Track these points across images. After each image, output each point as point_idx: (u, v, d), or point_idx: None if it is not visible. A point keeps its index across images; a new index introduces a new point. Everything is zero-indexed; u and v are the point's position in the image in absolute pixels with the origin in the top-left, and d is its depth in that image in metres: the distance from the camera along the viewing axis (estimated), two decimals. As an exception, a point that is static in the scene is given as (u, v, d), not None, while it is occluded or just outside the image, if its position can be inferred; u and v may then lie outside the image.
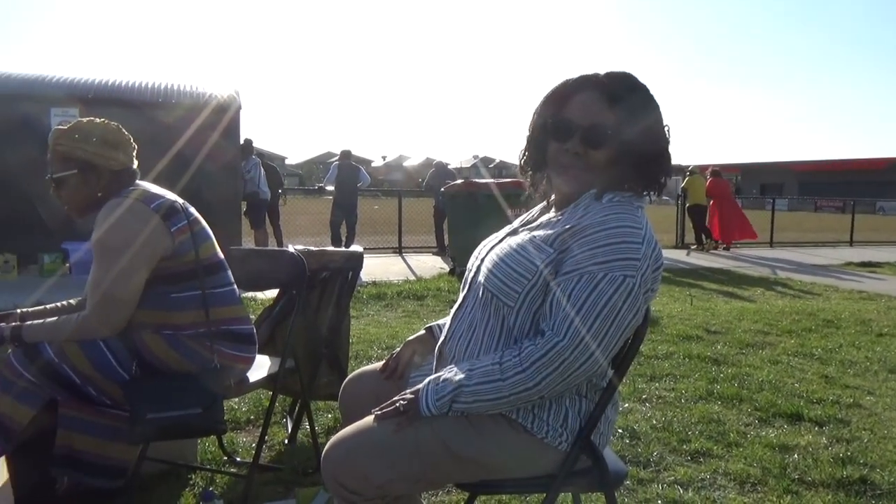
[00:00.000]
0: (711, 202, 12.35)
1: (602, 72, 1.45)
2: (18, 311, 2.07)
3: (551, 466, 1.45)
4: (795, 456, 2.68)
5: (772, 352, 4.47)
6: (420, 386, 1.42)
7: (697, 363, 4.09)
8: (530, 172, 1.56)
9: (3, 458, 1.85)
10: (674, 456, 2.66)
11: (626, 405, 3.25)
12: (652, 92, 1.45)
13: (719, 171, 12.92)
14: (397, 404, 1.42)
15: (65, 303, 2.14)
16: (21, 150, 7.45)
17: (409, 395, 1.42)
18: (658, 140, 1.44)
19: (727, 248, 12.82)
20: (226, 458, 2.55)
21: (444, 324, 1.71)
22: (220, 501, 1.73)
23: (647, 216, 1.42)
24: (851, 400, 3.42)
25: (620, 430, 2.89)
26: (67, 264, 7.51)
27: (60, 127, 2.00)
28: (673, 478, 2.46)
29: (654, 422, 3.03)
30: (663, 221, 14.62)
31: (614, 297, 1.31)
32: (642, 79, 1.45)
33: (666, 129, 1.46)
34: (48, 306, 2.13)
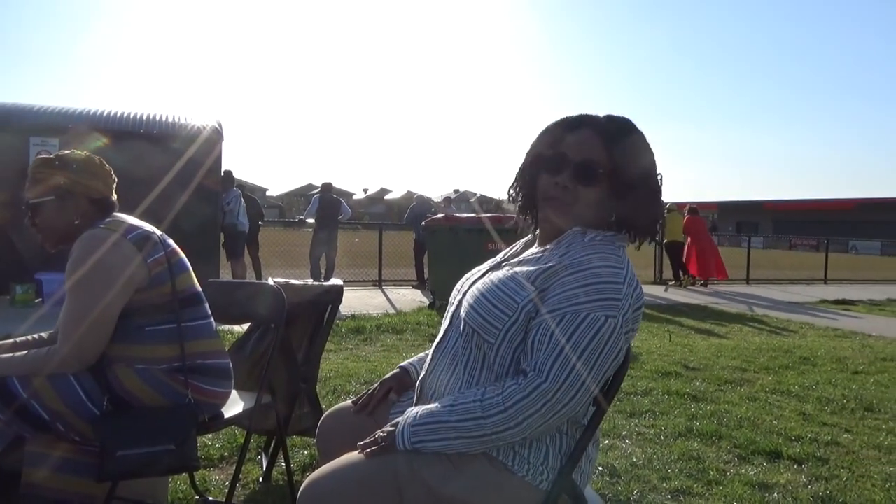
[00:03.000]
0: (688, 239, 12.53)
1: (602, 113, 1.48)
2: (-13, 343, 2.02)
3: (532, 506, 1.42)
4: (775, 494, 2.67)
5: (750, 388, 4.49)
6: (399, 419, 1.40)
7: (677, 400, 4.09)
8: (518, 203, 1.57)
9: (-35, 497, 1.78)
10: (654, 494, 2.64)
11: (606, 442, 3.23)
12: (648, 140, 1.47)
13: (696, 209, 13.14)
14: (377, 436, 1.40)
15: (36, 336, 2.09)
16: (-4, 179, 7.35)
17: (389, 429, 1.40)
18: (649, 185, 1.46)
19: (704, 285, 12.96)
20: (198, 497, 2.48)
21: (419, 361, 1.70)
22: (190, 543, 1.68)
23: (628, 256, 1.44)
24: (829, 437, 3.44)
25: (601, 468, 2.87)
26: (39, 299, 7.36)
27: (42, 156, 1.99)
28: (653, 517, 2.43)
29: (635, 459, 3.01)
30: (641, 257, 14.74)
31: (596, 337, 1.31)
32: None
33: (659, 177, 1.49)
34: (18, 339, 2.08)
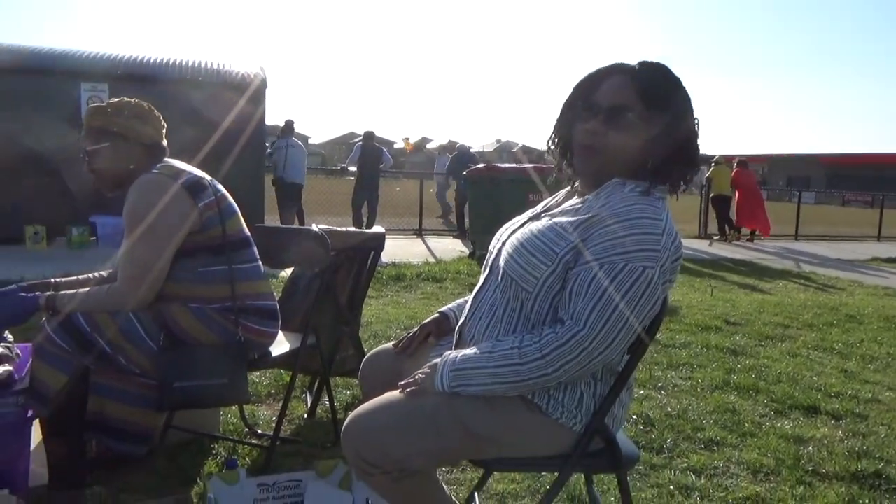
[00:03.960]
0: (737, 193, 12.20)
1: (636, 61, 1.46)
2: (52, 280, 2.14)
3: (565, 447, 1.48)
4: (810, 448, 2.68)
5: (791, 345, 4.45)
6: (438, 361, 1.46)
7: (715, 353, 4.08)
8: (557, 154, 1.58)
9: (38, 421, 1.92)
10: (687, 443, 2.68)
11: (642, 392, 3.27)
12: (685, 86, 1.45)
13: (746, 162, 12.76)
14: (417, 377, 1.46)
15: (96, 274, 2.21)
16: (52, 125, 7.58)
17: (428, 371, 1.46)
18: (685, 133, 1.45)
19: (751, 240, 12.69)
20: (247, 429, 2.62)
21: (458, 307, 1.75)
22: (242, 470, 1.79)
23: (668, 206, 1.44)
24: (870, 395, 3.40)
25: (635, 417, 2.91)
26: (94, 239, 7.66)
27: (95, 104, 2.07)
28: (686, 464, 2.48)
29: (669, 409, 3.04)
30: (686, 211, 14.49)
31: (633, 288, 1.33)
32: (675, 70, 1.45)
33: (696, 123, 1.46)
34: (80, 277, 2.20)
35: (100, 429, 1.94)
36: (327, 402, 2.73)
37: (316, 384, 2.87)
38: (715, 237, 12.47)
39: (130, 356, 1.93)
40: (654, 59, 1.46)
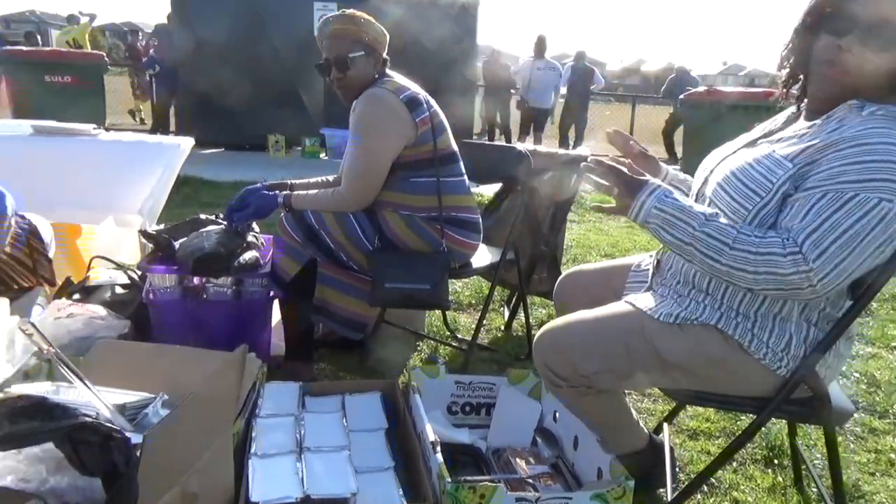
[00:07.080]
0: None
1: None
2: (289, 182, 2.43)
3: (766, 389, 1.39)
4: None
5: None
6: (648, 188, 1.32)
7: (972, 317, 3.49)
8: (787, 69, 1.40)
9: (278, 301, 2.24)
10: (919, 411, 2.38)
11: (869, 349, 2.93)
12: None
13: None
14: (615, 190, 1.36)
15: (325, 178, 2.46)
16: (289, 42, 8.33)
17: (629, 197, 1.33)
18: None
19: None
20: (448, 333, 2.82)
21: (682, 184, 1.65)
22: (443, 366, 1.95)
23: None
24: None
25: (857, 374, 2.63)
26: (323, 150, 8.44)
27: (341, 13, 2.16)
28: (913, 433, 2.21)
29: (901, 372, 2.70)
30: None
31: (862, 220, 1.16)
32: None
33: None
34: (311, 180, 2.46)
35: (323, 313, 2.22)
36: (523, 318, 2.83)
37: (513, 299, 2.98)
38: None
39: (350, 253, 2.15)
40: None
